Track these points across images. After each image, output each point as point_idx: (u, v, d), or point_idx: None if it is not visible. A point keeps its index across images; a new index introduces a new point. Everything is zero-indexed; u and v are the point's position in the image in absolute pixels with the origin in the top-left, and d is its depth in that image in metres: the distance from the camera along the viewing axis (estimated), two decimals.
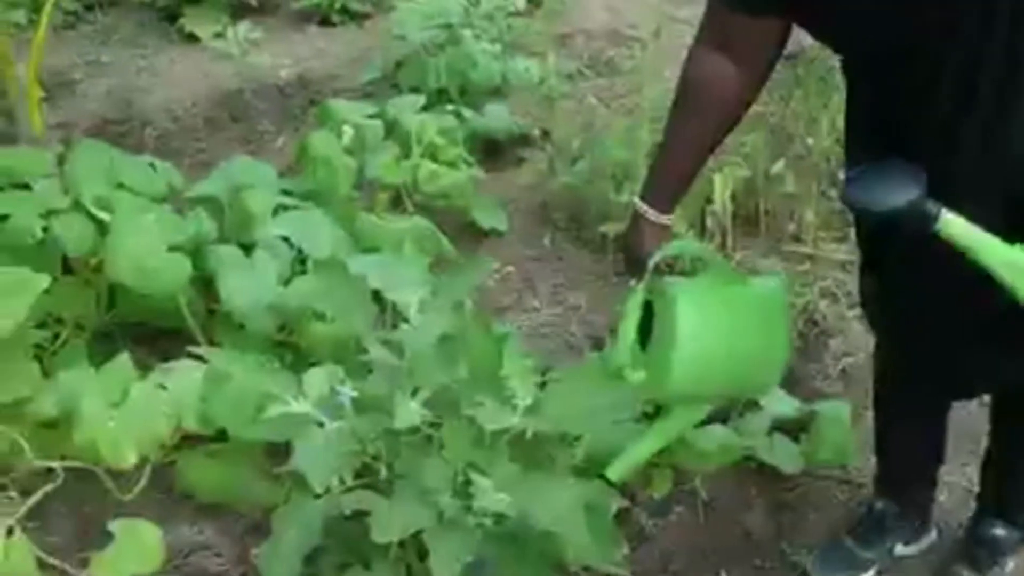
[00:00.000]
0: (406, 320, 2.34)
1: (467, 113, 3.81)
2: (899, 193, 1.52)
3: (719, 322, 1.84)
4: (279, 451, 2.15)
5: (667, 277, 1.89)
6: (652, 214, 1.85)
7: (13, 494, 2.48)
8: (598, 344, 3.04)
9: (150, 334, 2.96)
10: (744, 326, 1.86)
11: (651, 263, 1.85)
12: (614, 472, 1.95)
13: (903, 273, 1.75)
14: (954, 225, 1.52)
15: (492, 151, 3.91)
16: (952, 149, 1.54)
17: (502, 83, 4.07)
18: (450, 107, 3.82)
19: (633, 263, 1.91)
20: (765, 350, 1.89)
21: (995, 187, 1.56)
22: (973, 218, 1.52)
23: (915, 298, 1.76)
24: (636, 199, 1.89)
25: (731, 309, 1.86)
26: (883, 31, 1.52)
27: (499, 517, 1.86)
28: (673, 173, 1.86)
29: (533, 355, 2.49)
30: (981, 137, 1.52)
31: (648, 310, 1.89)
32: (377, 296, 2.48)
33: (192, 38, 5.28)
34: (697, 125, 1.80)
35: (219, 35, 5.08)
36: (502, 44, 4.18)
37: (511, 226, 3.63)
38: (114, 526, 2.26)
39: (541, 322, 3.19)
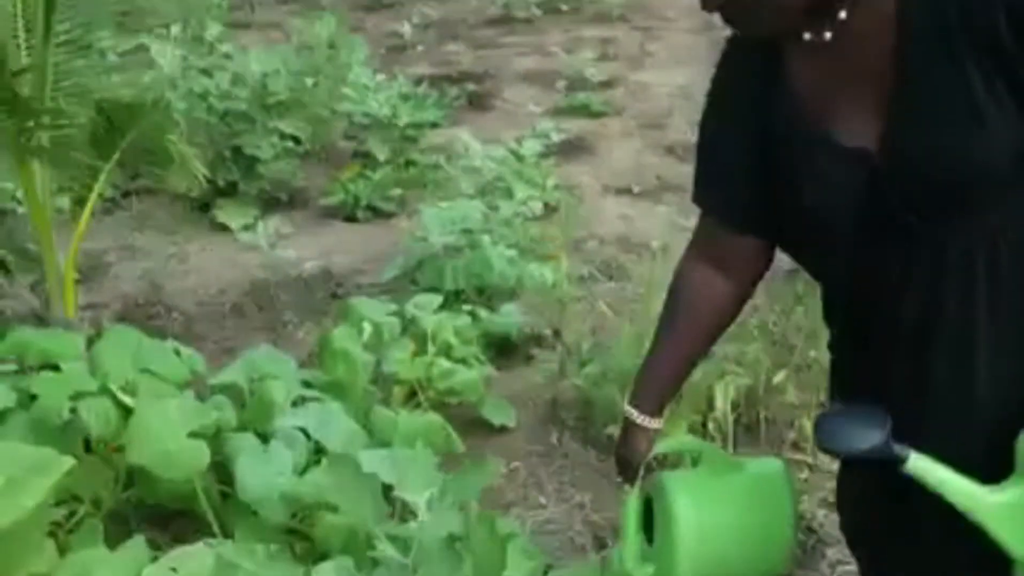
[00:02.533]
0: (415, 516, 2.42)
1: (482, 313, 3.97)
2: (862, 439, 1.57)
3: (719, 511, 1.82)
4: None
5: (664, 472, 1.91)
6: (641, 418, 1.88)
7: None
8: (602, 543, 3.09)
9: (165, 515, 3.03)
10: (746, 510, 1.84)
11: (642, 466, 1.88)
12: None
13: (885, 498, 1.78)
14: (922, 467, 1.56)
15: (504, 349, 4.05)
16: (920, 390, 1.62)
17: (517, 285, 4.23)
18: (466, 307, 3.97)
19: (625, 467, 1.93)
20: (770, 531, 1.86)
21: (966, 426, 1.61)
22: (948, 456, 1.56)
23: (898, 531, 1.77)
24: (626, 405, 1.92)
25: (731, 495, 1.85)
26: (848, 272, 1.63)
27: None
28: (661, 378, 1.90)
29: (537, 553, 2.54)
30: (947, 378, 1.61)
31: (650, 506, 1.89)
32: (388, 490, 2.57)
33: (223, 228, 5.52)
34: (685, 333, 1.86)
35: (249, 227, 5.31)
36: (518, 249, 4.37)
37: (520, 422, 3.73)
38: None
39: (546, 519, 3.25)
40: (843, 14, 1.47)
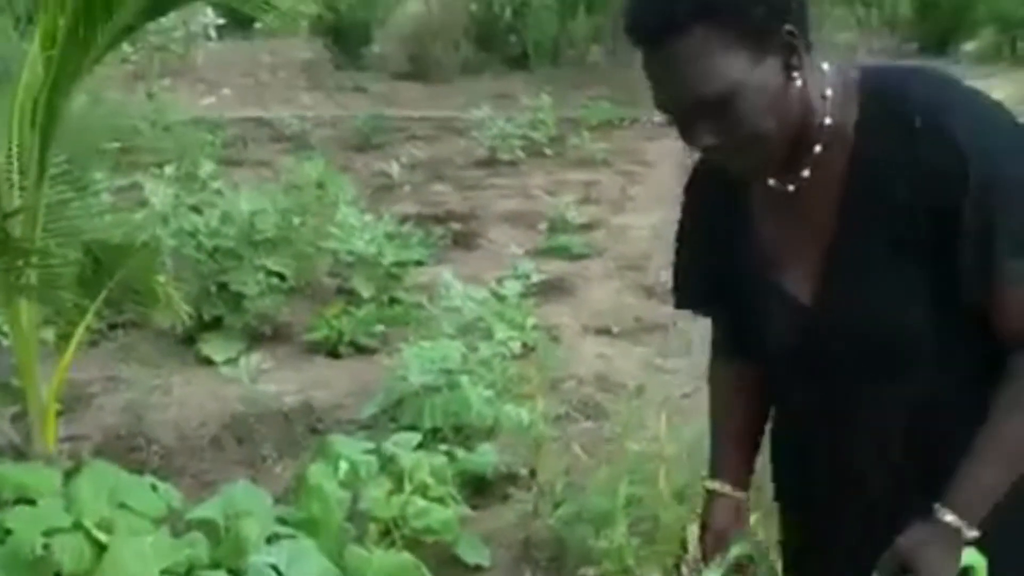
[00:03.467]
0: None
1: (459, 452, 4.01)
2: None
3: None
4: None
5: None
6: (727, 487, 1.90)
7: None
8: None
9: None
10: None
11: (732, 546, 1.86)
12: None
13: None
14: None
15: (480, 488, 4.08)
16: (833, 535, 1.73)
17: (494, 424, 4.29)
18: (443, 446, 4.02)
19: (713, 541, 1.91)
20: None
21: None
22: None
23: None
24: (708, 482, 1.95)
25: None
26: (785, 407, 1.78)
27: None
28: (734, 454, 1.94)
29: None
30: (854, 528, 1.70)
31: None
32: None
33: (207, 361, 5.58)
34: (739, 422, 1.92)
35: (231, 361, 5.37)
36: (496, 389, 4.44)
37: (494, 562, 3.74)
38: None
39: None
40: (806, 172, 1.59)
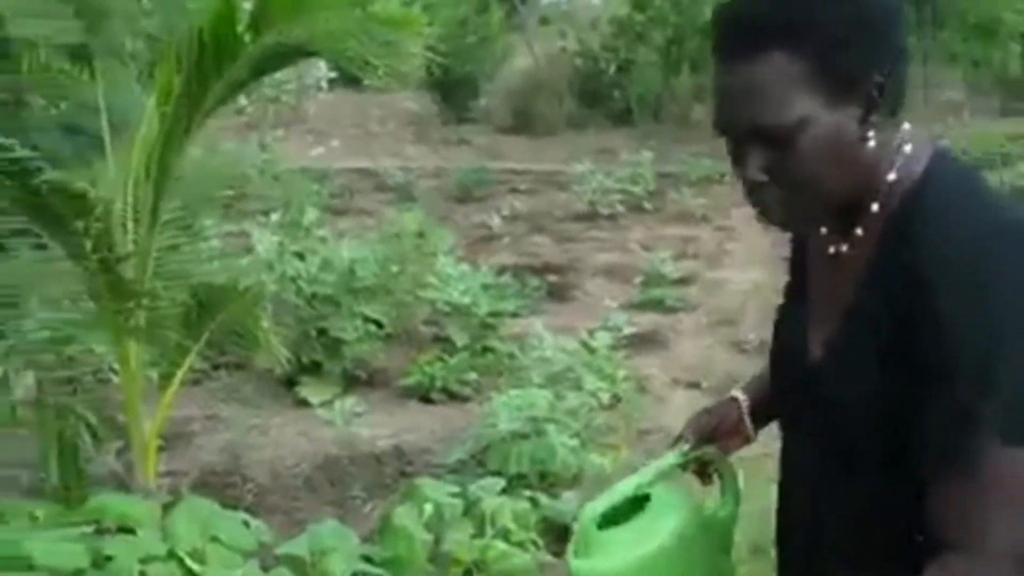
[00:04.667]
0: None
1: (542, 499, 4.08)
2: None
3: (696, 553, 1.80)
4: None
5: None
6: (737, 392, 1.90)
7: None
8: None
9: None
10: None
11: (709, 427, 1.87)
12: None
13: None
14: None
15: (561, 536, 4.12)
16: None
17: (578, 472, 4.35)
18: (527, 492, 4.10)
19: (696, 424, 1.89)
20: None
21: None
22: None
23: None
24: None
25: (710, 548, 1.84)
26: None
27: None
28: (759, 391, 1.89)
29: None
30: None
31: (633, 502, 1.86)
32: None
33: (304, 403, 5.74)
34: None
35: (327, 404, 5.53)
36: (581, 438, 4.51)
37: None
38: None
39: None
40: (859, 231, 1.52)
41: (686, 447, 1.85)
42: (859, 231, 1.51)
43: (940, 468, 1.39)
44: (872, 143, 1.44)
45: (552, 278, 8.16)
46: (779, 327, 1.74)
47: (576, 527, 1.85)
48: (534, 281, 7.72)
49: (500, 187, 11.96)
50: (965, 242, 1.39)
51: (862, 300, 1.49)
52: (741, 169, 1.47)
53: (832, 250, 1.56)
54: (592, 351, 5.41)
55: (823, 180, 1.44)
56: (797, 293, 1.72)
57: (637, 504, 1.84)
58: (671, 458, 1.85)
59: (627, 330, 5.97)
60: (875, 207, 1.49)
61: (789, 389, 1.68)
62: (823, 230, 1.58)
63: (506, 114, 15.62)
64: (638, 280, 7.98)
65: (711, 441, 1.87)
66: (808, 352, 1.60)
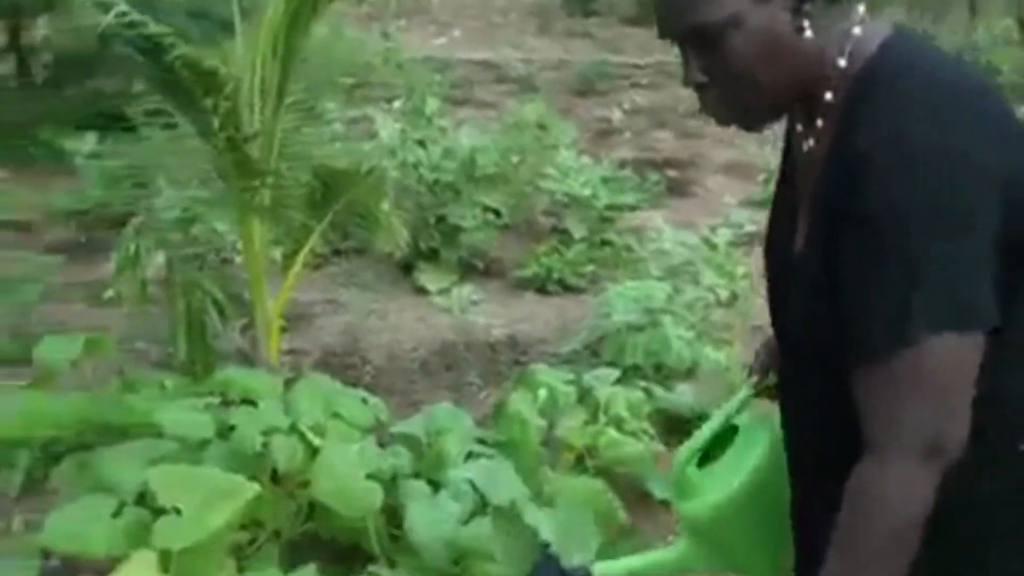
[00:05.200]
0: None
1: (657, 390, 4.07)
2: None
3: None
4: None
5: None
6: None
7: None
8: None
9: (337, 550, 3.24)
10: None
11: (752, 363, 1.98)
12: (599, 571, 2.04)
13: None
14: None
15: (675, 427, 4.12)
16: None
17: (692, 366, 4.33)
18: (642, 383, 4.09)
19: (757, 359, 2.00)
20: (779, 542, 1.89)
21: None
22: None
23: None
24: None
25: None
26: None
27: None
28: None
29: None
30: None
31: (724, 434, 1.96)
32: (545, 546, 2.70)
33: (422, 291, 5.81)
34: None
35: (444, 291, 5.58)
36: (697, 332, 4.47)
37: None
38: None
39: None
40: (819, 122, 1.48)
41: (754, 380, 1.95)
42: (819, 122, 1.48)
43: (857, 358, 1.37)
44: (809, 32, 1.41)
45: (672, 173, 8.05)
46: (770, 226, 1.70)
47: (674, 470, 1.96)
48: (654, 176, 7.62)
49: (622, 80, 11.79)
50: (906, 114, 1.34)
51: (824, 190, 1.45)
52: (685, 75, 1.47)
53: (804, 146, 1.53)
54: (712, 247, 5.32)
55: (760, 75, 1.42)
56: (787, 190, 1.67)
57: (729, 436, 1.95)
58: (745, 391, 1.97)
59: (748, 228, 5.86)
60: (828, 96, 1.46)
61: (781, 291, 1.64)
62: (798, 127, 1.55)
63: (629, 5, 15.31)
64: (760, 178, 7.81)
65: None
66: (794, 248, 1.56)
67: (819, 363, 1.48)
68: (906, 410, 1.33)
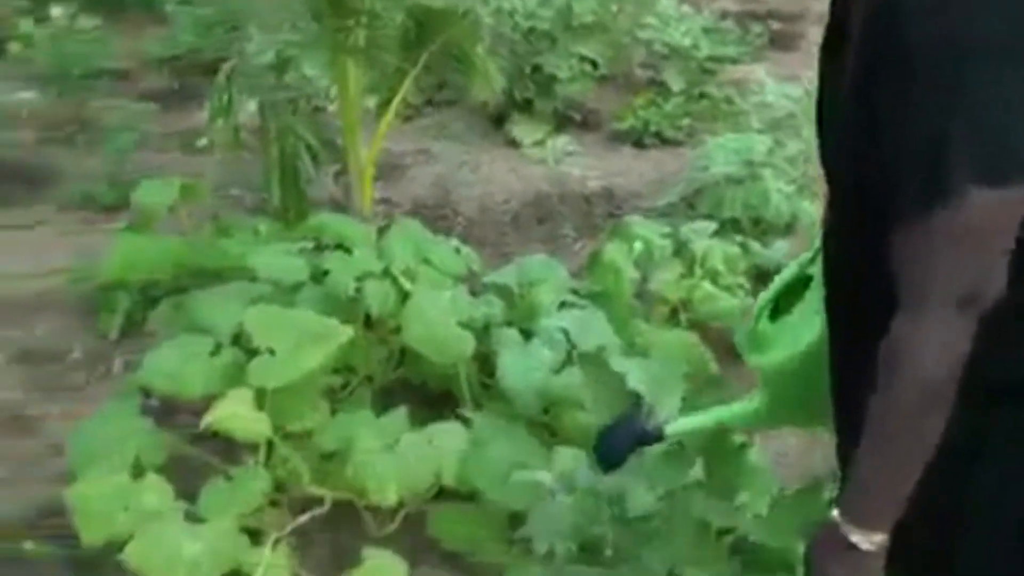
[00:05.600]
0: None
1: (753, 245, 3.97)
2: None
3: None
4: (520, 518, 2.35)
5: None
6: None
7: (285, 513, 2.79)
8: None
9: (428, 396, 3.25)
10: None
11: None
12: (671, 429, 2.09)
13: None
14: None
15: (770, 282, 4.04)
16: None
17: (791, 220, 4.21)
18: (738, 237, 3.99)
19: None
20: None
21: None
22: None
23: None
24: None
25: None
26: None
27: None
28: None
29: (769, 475, 2.58)
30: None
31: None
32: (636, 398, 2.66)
33: (514, 143, 5.71)
34: None
35: (539, 143, 5.49)
36: (796, 185, 4.33)
37: None
38: (368, 553, 2.53)
39: (784, 451, 3.25)
40: None
41: None
42: None
43: (896, 209, 1.29)
44: None
45: (776, 25, 7.73)
46: (821, 70, 1.58)
47: (748, 323, 1.94)
48: (757, 27, 7.33)
49: None
50: None
51: (865, 23, 1.35)
52: None
53: None
54: None
55: None
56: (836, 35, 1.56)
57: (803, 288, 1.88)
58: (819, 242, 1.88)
59: None
60: None
61: (827, 132, 1.56)
62: None
63: None
64: None
65: None
66: (840, 89, 1.46)
67: (860, 212, 1.42)
68: (942, 263, 1.27)
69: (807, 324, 1.82)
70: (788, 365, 1.84)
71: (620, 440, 2.10)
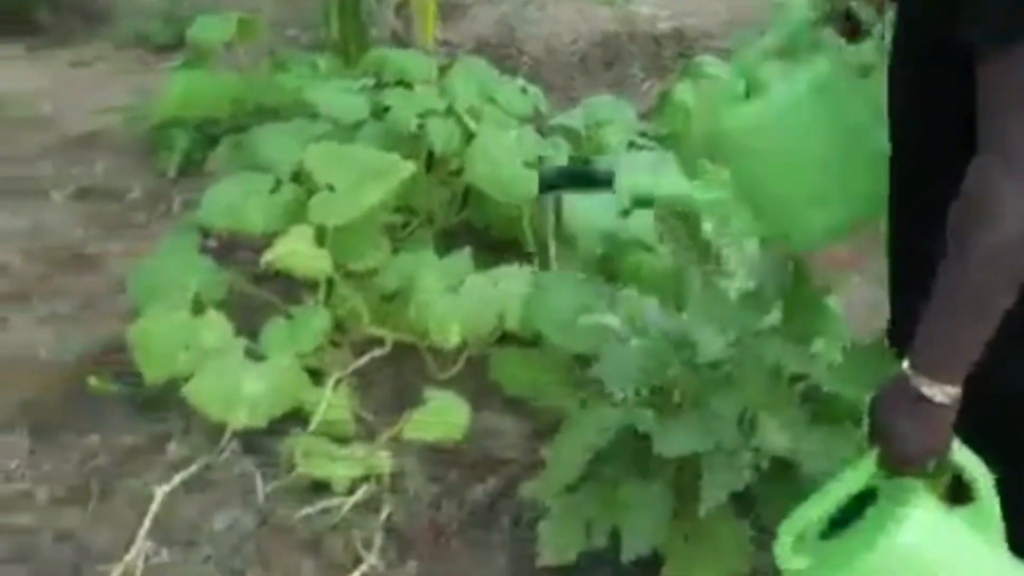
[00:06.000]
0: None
1: None
2: None
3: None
4: (585, 362, 2.28)
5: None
6: None
7: (346, 354, 2.75)
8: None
9: (491, 240, 3.17)
10: None
11: None
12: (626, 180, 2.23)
13: None
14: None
15: None
16: None
17: None
18: None
19: None
20: None
21: None
22: None
23: None
24: None
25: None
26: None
27: (775, 460, 1.91)
28: None
29: (845, 323, 2.48)
30: None
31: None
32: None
33: None
34: None
35: None
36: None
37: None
38: (430, 394, 2.49)
39: (866, 299, 3.14)
40: None
41: None
42: None
43: (977, 43, 1.22)
44: None
45: None
46: None
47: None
48: None
49: None
50: None
51: None
52: None
53: None
54: None
55: None
56: None
57: None
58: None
59: None
60: None
61: None
62: None
63: None
64: None
65: None
66: None
67: (934, 45, 1.36)
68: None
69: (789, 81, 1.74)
70: (761, 118, 1.75)
71: (566, 169, 2.17)
